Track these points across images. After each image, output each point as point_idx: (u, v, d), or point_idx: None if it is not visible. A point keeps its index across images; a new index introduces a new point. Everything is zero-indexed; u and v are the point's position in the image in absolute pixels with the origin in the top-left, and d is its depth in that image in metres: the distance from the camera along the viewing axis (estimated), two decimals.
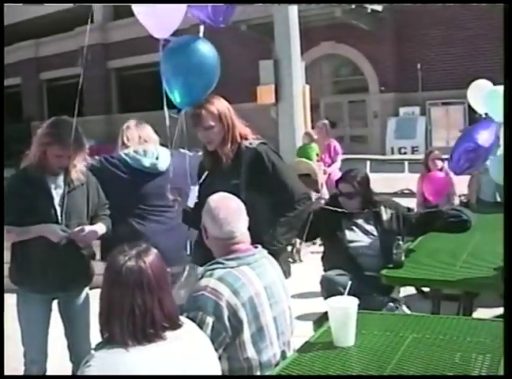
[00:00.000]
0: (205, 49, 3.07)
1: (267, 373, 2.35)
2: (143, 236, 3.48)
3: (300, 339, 2.59)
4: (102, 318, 1.90)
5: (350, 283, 2.65)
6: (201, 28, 3.14)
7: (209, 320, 2.23)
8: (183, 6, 2.97)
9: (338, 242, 3.92)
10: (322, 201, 3.81)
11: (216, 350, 2.17)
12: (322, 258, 4.13)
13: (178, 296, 2.64)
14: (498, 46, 12.66)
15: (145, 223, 3.61)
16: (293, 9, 11.37)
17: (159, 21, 3.02)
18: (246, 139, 3.15)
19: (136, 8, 2.98)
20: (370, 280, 3.70)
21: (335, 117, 20.59)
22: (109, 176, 3.55)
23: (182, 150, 3.58)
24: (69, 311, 3.37)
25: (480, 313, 4.21)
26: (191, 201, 3.20)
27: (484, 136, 4.51)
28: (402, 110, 18.95)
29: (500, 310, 3.83)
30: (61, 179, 3.22)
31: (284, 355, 2.46)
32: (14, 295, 3.31)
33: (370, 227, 3.97)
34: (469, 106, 5.48)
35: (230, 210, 2.45)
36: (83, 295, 3.39)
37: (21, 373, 3.32)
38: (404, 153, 18.10)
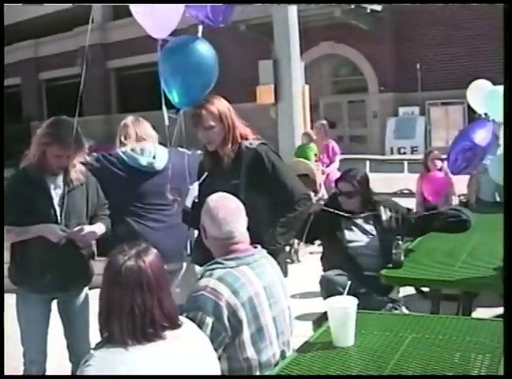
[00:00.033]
0: (204, 49, 3.06)
1: (266, 373, 2.35)
2: (140, 234, 3.48)
3: (300, 339, 2.59)
4: (101, 318, 1.91)
5: (349, 283, 2.65)
6: (200, 27, 3.13)
7: (209, 320, 2.23)
8: (181, 6, 2.97)
9: (337, 242, 3.92)
10: (322, 203, 3.80)
11: (216, 350, 2.17)
12: (322, 258, 4.13)
13: (175, 294, 2.64)
14: (497, 46, 12.67)
15: (142, 222, 3.59)
16: (292, 9, 11.38)
17: (157, 21, 3.01)
18: (247, 139, 3.15)
19: (134, 8, 2.98)
20: (369, 280, 3.70)
21: (334, 117, 20.61)
22: (106, 174, 3.53)
23: (180, 149, 3.58)
24: (69, 311, 3.37)
25: (480, 312, 4.22)
26: (189, 201, 3.20)
27: (481, 136, 4.51)
28: (401, 110, 18.96)
29: (499, 310, 3.83)
30: (60, 179, 3.22)
31: (283, 355, 2.46)
32: (14, 295, 3.30)
33: (369, 227, 3.97)
34: (469, 107, 5.48)
35: (229, 210, 2.45)
36: (82, 295, 3.39)
37: (21, 373, 3.32)
38: (404, 153, 18.11)
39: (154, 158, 3.61)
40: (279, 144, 10.90)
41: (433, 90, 18.07)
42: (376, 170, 13.09)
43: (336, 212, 3.90)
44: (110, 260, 1.94)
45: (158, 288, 1.91)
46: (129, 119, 3.77)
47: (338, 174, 5.19)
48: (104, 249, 3.33)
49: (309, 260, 6.96)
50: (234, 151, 3.10)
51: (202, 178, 3.22)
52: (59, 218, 3.16)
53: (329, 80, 21.52)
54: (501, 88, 3.90)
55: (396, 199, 4.56)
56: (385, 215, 3.99)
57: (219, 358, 2.19)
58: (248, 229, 2.49)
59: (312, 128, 10.73)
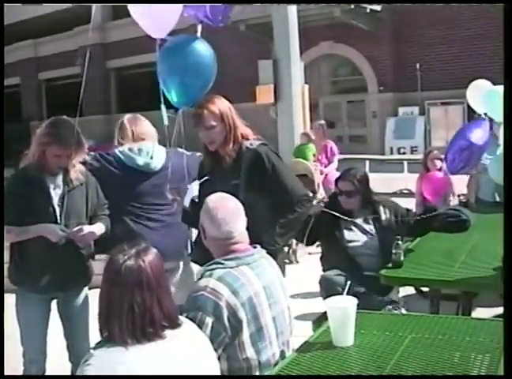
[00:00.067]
0: (202, 48, 3.06)
1: (266, 373, 2.35)
2: (137, 234, 3.47)
3: (299, 338, 2.59)
4: (101, 317, 1.91)
5: (349, 282, 2.65)
6: (199, 27, 3.13)
7: (209, 320, 2.23)
8: (179, 6, 2.97)
9: (337, 242, 3.92)
10: (323, 205, 3.79)
11: (216, 350, 2.17)
12: (321, 258, 4.12)
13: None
14: (497, 46, 12.70)
15: (140, 221, 3.57)
16: (292, 9, 11.38)
17: (155, 21, 3.01)
18: (247, 139, 3.15)
19: (132, 8, 2.97)
20: (369, 280, 3.70)
21: (334, 117, 20.63)
22: (104, 173, 3.52)
23: (179, 149, 3.58)
24: (68, 311, 3.37)
25: (479, 312, 4.22)
26: (187, 200, 3.20)
27: (477, 135, 4.50)
28: (401, 110, 18.96)
29: (499, 310, 3.83)
30: (60, 179, 3.22)
31: (283, 355, 2.46)
32: (14, 295, 3.30)
33: (369, 227, 3.97)
34: (468, 106, 5.48)
35: (228, 210, 2.45)
36: (82, 295, 3.39)
37: (21, 372, 3.32)
38: (403, 153, 18.11)
39: (152, 158, 3.58)
40: (278, 144, 10.90)
41: (433, 90, 18.08)
42: (376, 170, 13.07)
43: (337, 214, 3.88)
44: (110, 259, 1.94)
45: (158, 288, 1.91)
46: (126, 118, 3.72)
47: (337, 175, 5.19)
48: (102, 248, 3.33)
49: (307, 261, 6.95)
50: (235, 151, 3.10)
51: (203, 178, 3.22)
52: (59, 218, 3.16)
53: (328, 79, 21.52)
54: (501, 88, 3.90)
55: (395, 199, 4.56)
56: (384, 215, 3.99)
57: (218, 358, 2.19)
58: (247, 229, 2.49)
59: (312, 128, 10.73)
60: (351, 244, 3.91)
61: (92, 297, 3.26)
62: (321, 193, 8.66)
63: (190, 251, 3.65)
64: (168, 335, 1.90)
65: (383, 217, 3.98)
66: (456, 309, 4.11)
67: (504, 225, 2.22)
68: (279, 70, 11.41)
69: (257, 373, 2.36)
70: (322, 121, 10.42)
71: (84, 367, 1.83)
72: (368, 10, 18.18)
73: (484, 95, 4.74)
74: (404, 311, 3.73)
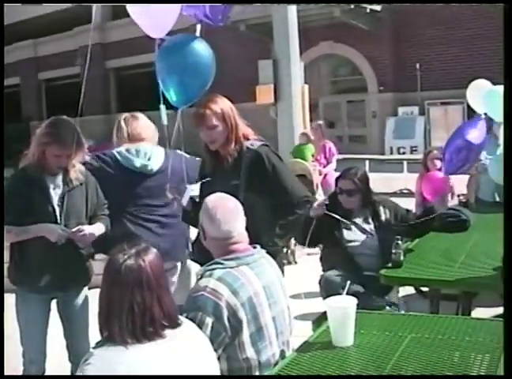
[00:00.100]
0: (201, 48, 3.05)
1: (266, 373, 2.35)
2: (134, 234, 3.46)
3: (299, 338, 2.59)
4: (101, 317, 1.91)
5: (349, 282, 2.65)
6: (198, 26, 3.13)
7: (209, 320, 2.23)
8: (178, 6, 2.97)
9: (337, 242, 3.92)
10: (324, 207, 3.78)
11: (216, 350, 2.17)
12: (321, 258, 4.13)
13: None
14: (497, 46, 12.70)
15: (137, 222, 3.56)
16: (292, 9, 11.38)
17: (153, 21, 3.01)
18: (248, 139, 3.15)
19: (130, 8, 2.97)
20: (368, 280, 3.70)
21: (334, 117, 20.64)
22: (101, 173, 3.50)
23: (179, 151, 3.56)
24: (68, 311, 3.37)
25: (479, 312, 4.21)
26: (185, 200, 3.20)
27: (474, 134, 4.50)
28: (401, 110, 18.97)
29: (499, 310, 3.83)
30: (60, 179, 3.22)
31: (283, 355, 2.46)
32: (14, 295, 3.30)
33: (368, 227, 3.97)
34: (468, 106, 5.48)
35: (227, 210, 2.45)
36: (82, 295, 3.39)
37: (20, 372, 3.32)
38: (403, 153, 18.11)
39: (149, 159, 3.56)
40: (278, 144, 10.90)
41: (432, 90, 18.08)
42: (375, 170, 13.07)
43: (338, 218, 3.87)
44: (110, 259, 1.94)
45: (158, 287, 1.92)
46: (123, 118, 3.69)
47: (335, 175, 5.18)
48: (100, 249, 3.33)
49: (306, 262, 6.94)
50: (236, 151, 3.10)
51: (204, 179, 3.22)
52: (59, 218, 3.16)
53: (328, 79, 21.52)
54: (500, 88, 3.90)
55: (395, 199, 4.56)
56: (384, 215, 3.99)
57: (218, 358, 2.19)
58: (247, 229, 2.49)
59: (311, 128, 10.72)
60: (350, 244, 3.91)
61: (92, 297, 3.26)
62: (320, 194, 8.65)
63: (188, 251, 3.65)
64: (168, 335, 1.90)
65: (383, 217, 3.98)
66: (456, 309, 4.11)
67: (504, 225, 2.22)
68: (279, 70, 11.41)
69: (257, 373, 2.36)
70: (320, 122, 10.41)
71: (85, 366, 1.83)
72: (368, 10, 18.18)
73: (484, 95, 4.74)
74: (403, 312, 3.73)
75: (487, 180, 5.53)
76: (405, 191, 11.42)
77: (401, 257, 3.68)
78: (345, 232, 3.93)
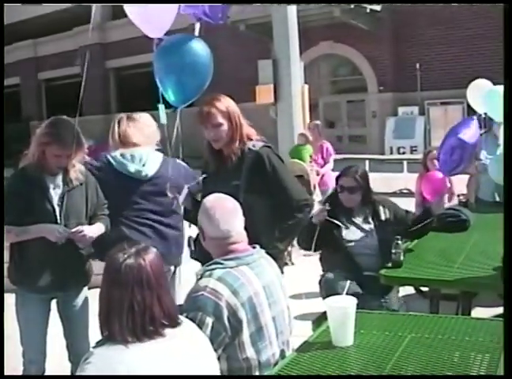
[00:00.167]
0: (199, 47, 3.05)
1: (266, 373, 2.35)
2: (129, 238, 3.43)
3: (299, 338, 2.59)
4: (102, 316, 1.91)
5: (348, 282, 2.65)
6: (197, 25, 3.12)
7: (209, 320, 2.23)
8: (176, 6, 2.96)
9: (336, 242, 3.91)
10: (326, 213, 3.77)
11: (216, 350, 2.17)
12: (320, 259, 4.12)
13: None
14: (497, 46, 12.70)
15: (132, 225, 3.51)
16: (292, 9, 11.37)
17: (151, 21, 3.00)
18: (251, 139, 3.15)
19: (128, 8, 2.96)
20: (368, 280, 3.70)
21: (333, 116, 20.66)
22: (97, 177, 3.47)
23: (178, 160, 3.54)
24: (68, 311, 3.37)
25: (479, 312, 4.22)
26: (181, 199, 3.19)
27: (468, 133, 4.50)
28: (401, 110, 18.98)
29: (499, 310, 3.83)
30: (60, 179, 3.22)
31: (283, 355, 2.46)
32: (14, 295, 3.30)
33: (368, 227, 3.96)
34: (468, 106, 5.49)
35: (226, 210, 2.45)
36: (82, 295, 3.39)
37: (20, 372, 3.32)
38: (403, 153, 18.12)
39: (144, 165, 3.48)
40: (278, 144, 10.89)
41: (432, 90, 18.09)
42: (375, 169, 13.07)
43: (339, 224, 3.87)
44: (110, 258, 1.94)
45: (158, 286, 1.92)
46: (117, 120, 3.59)
47: (333, 175, 5.18)
48: (97, 253, 3.32)
49: (302, 263, 6.91)
50: (240, 150, 3.10)
51: (204, 177, 3.22)
52: (58, 218, 3.16)
53: (328, 79, 21.53)
54: (501, 88, 3.90)
55: (395, 199, 4.56)
56: (384, 215, 3.99)
57: (218, 358, 2.19)
58: (247, 230, 2.49)
59: (308, 128, 10.69)
60: (350, 244, 3.91)
61: (92, 297, 3.26)
62: (317, 194, 8.63)
63: (183, 254, 3.65)
64: (168, 334, 1.91)
65: (383, 217, 3.98)
66: (455, 308, 4.11)
67: (504, 225, 2.22)
68: (278, 70, 11.40)
69: (257, 373, 2.36)
70: (318, 122, 10.39)
71: (85, 365, 1.83)
72: (368, 10, 18.19)
73: (484, 95, 4.75)
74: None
75: (487, 180, 5.54)
76: (405, 191, 11.43)
77: (401, 257, 3.68)
78: (345, 232, 3.93)
